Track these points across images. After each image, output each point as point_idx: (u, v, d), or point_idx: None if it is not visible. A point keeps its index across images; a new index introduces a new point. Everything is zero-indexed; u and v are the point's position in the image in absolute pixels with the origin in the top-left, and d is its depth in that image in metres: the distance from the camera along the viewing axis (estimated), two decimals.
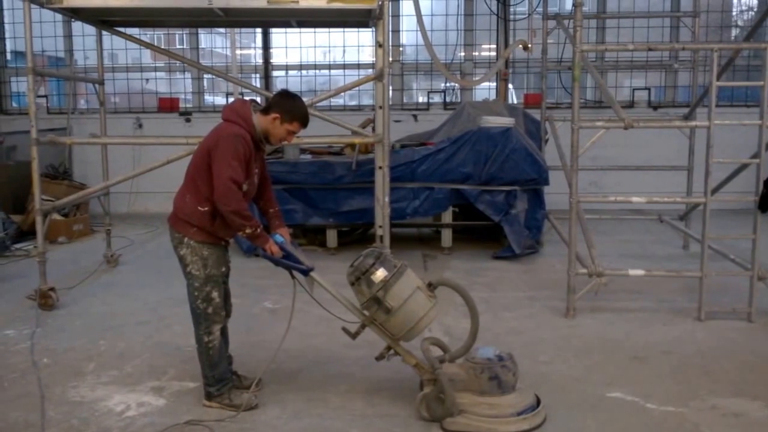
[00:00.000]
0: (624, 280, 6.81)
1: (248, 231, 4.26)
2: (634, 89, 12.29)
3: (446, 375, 4.24)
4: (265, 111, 4.40)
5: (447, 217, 8.93)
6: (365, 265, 4.31)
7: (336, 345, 5.53)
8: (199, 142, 4.51)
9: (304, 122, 4.47)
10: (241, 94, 11.23)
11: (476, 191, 8.55)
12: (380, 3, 6.51)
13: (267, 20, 8.83)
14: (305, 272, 4.50)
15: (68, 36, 12.51)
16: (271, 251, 4.40)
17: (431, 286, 4.47)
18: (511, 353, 4.39)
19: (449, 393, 4.15)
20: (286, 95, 4.53)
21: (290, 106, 4.40)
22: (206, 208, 4.32)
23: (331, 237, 8.88)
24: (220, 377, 4.57)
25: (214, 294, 4.45)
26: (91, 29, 7.94)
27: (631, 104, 11.98)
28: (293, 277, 4.57)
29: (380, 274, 4.25)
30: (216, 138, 4.28)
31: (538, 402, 4.31)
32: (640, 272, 6.46)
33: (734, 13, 13.28)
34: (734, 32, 13.20)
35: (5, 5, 12.73)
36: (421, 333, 4.45)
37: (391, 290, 4.24)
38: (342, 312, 4.62)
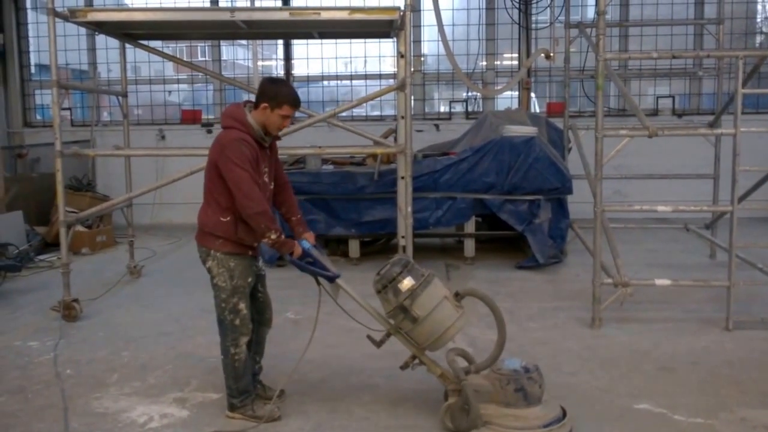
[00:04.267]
0: (650, 290, 6.73)
1: (273, 237, 4.22)
2: (658, 97, 12.18)
3: (471, 386, 4.18)
4: (255, 105, 4.37)
5: (470, 227, 8.88)
6: (392, 273, 4.27)
7: (359, 355, 5.51)
8: (210, 152, 4.44)
9: (292, 103, 4.38)
10: None
11: (499, 201, 8.50)
12: (402, 14, 6.50)
13: (289, 32, 8.86)
14: (331, 279, 4.47)
15: (92, 49, 12.67)
16: (297, 256, 4.38)
17: (458, 296, 4.42)
18: (537, 365, 4.32)
19: (474, 404, 4.09)
20: (268, 82, 4.46)
21: (274, 92, 4.33)
22: (228, 218, 4.32)
23: (354, 247, 8.85)
24: (244, 389, 4.55)
25: (241, 305, 4.42)
26: (114, 42, 8.00)
27: (655, 112, 11.89)
28: (319, 283, 4.54)
29: (407, 282, 4.21)
30: (219, 148, 4.27)
31: (564, 414, 4.23)
32: (666, 282, 6.37)
33: (758, 20, 13.16)
34: (759, 39, 13.06)
35: (29, 19, 12.87)
36: (447, 343, 4.40)
37: (418, 299, 4.19)
38: (367, 321, 4.59)
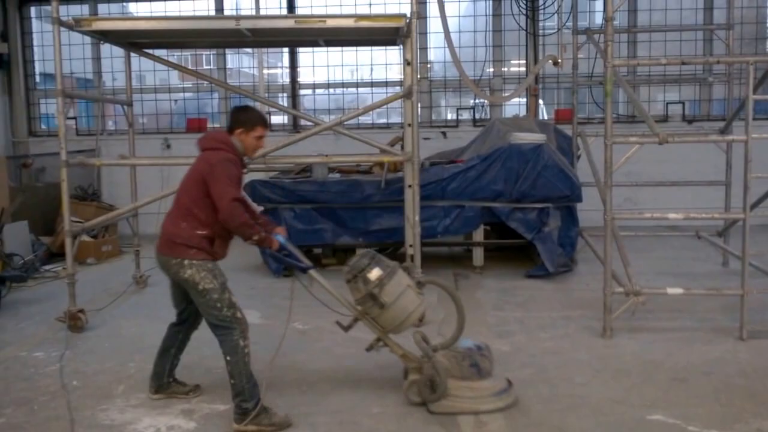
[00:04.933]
0: (662, 299, 6.66)
1: (256, 237, 4.55)
2: (667, 103, 12.10)
3: (437, 362, 4.69)
4: (231, 131, 4.74)
5: (478, 235, 8.81)
6: (361, 264, 4.71)
7: (367, 365, 5.46)
8: (196, 171, 4.65)
9: (263, 124, 4.82)
10: (269, 113, 11.23)
11: (508, 209, 8.43)
12: (408, 21, 6.46)
13: (294, 40, 8.82)
14: (305, 269, 4.88)
15: (96, 58, 12.66)
16: (276, 249, 4.77)
17: (420, 285, 4.92)
18: (487, 344, 4.99)
19: (444, 376, 4.61)
20: (237, 110, 4.91)
21: (245, 117, 4.77)
22: (205, 232, 4.56)
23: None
24: (257, 392, 4.56)
25: (234, 298, 4.60)
26: (119, 51, 7.99)
27: (665, 118, 11.80)
28: (293, 274, 4.94)
29: (375, 272, 4.66)
30: (209, 165, 4.52)
31: (510, 384, 4.86)
32: (678, 291, 6.30)
33: None
34: None
35: (34, 28, 12.88)
36: (410, 326, 4.87)
37: (386, 287, 4.63)
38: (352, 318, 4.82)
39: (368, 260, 4.73)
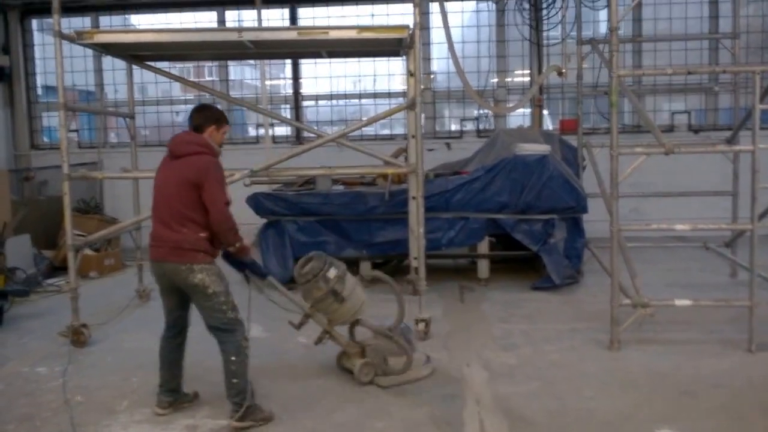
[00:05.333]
0: (670, 311, 6.58)
1: (238, 244, 4.79)
2: (673, 113, 12.04)
3: (376, 344, 5.49)
4: (200, 130, 4.84)
5: (483, 247, 8.75)
6: (318, 267, 5.30)
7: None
8: (183, 176, 4.68)
9: (227, 120, 5.05)
10: (272, 125, 11.20)
11: (513, 220, 8.38)
12: (411, 32, 6.42)
13: (297, 51, 8.79)
14: (265, 276, 5.27)
15: (98, 70, 12.65)
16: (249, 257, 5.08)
17: (364, 280, 5.95)
18: (408, 325, 5.92)
19: (410, 354, 5.36)
20: (202, 109, 5.03)
21: (216, 115, 4.95)
22: (205, 235, 4.68)
23: (366, 269, 8.73)
24: (249, 386, 4.81)
25: (235, 300, 4.79)
26: (121, 62, 7.96)
27: (671, 128, 11.74)
28: (248, 279, 5.17)
29: (333, 272, 5.29)
30: (202, 170, 4.62)
31: (429, 358, 5.76)
32: (686, 302, 6.23)
33: None
34: None
35: (35, 41, 12.88)
36: (360, 315, 5.54)
37: (345, 283, 5.32)
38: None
39: (323, 263, 5.31)
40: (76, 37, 6.57)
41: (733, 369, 5.64)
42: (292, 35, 6.90)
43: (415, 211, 6.71)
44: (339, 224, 8.65)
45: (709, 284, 8.33)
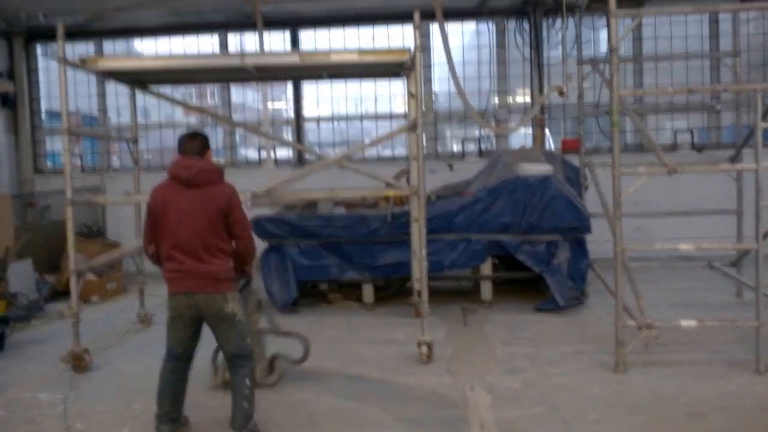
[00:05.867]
0: (675, 332, 6.52)
1: (255, 265, 5.12)
2: (676, 131, 12.03)
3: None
4: (203, 154, 4.94)
5: (486, 268, 8.71)
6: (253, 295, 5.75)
7: (372, 401, 5.43)
8: (215, 207, 4.77)
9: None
10: (273, 147, 11.19)
11: (516, 241, 8.35)
12: (411, 55, 6.43)
13: (298, 74, 8.82)
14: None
15: (102, 94, 12.67)
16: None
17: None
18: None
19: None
20: (197, 134, 5.12)
21: (206, 140, 5.06)
22: (232, 263, 4.82)
23: (368, 292, 8.70)
24: None
25: None
26: (124, 87, 7.99)
27: (673, 147, 11.70)
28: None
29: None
30: (226, 199, 4.75)
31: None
32: (692, 323, 6.18)
33: None
34: None
35: (40, 66, 12.94)
36: None
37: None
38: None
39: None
40: (81, 64, 6.60)
41: (740, 390, 5.58)
42: (295, 60, 6.92)
43: (418, 233, 6.69)
44: (341, 247, 8.62)
45: (714, 304, 8.27)
